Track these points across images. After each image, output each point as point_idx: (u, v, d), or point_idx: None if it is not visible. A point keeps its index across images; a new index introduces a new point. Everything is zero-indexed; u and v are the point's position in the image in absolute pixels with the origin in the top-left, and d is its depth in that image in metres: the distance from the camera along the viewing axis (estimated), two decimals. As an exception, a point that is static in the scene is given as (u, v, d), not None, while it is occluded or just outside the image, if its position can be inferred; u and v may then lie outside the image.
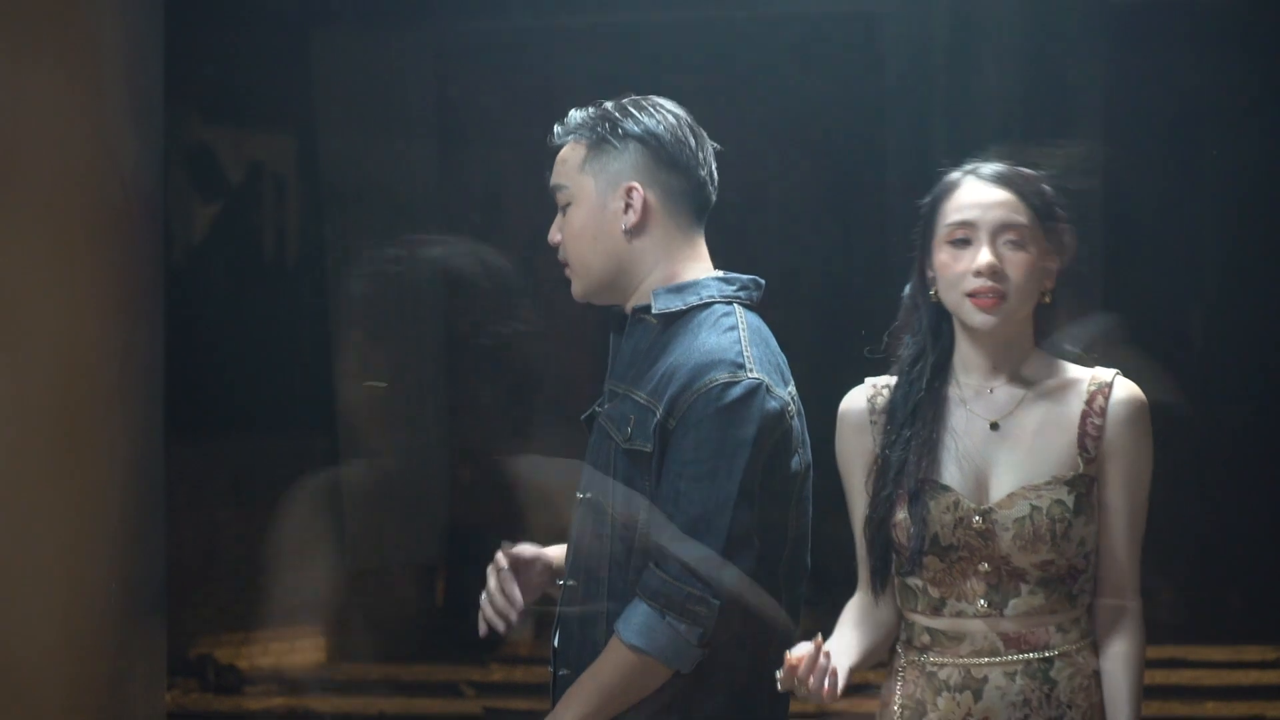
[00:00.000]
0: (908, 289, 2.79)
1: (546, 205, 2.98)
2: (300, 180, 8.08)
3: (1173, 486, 7.66)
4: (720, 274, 2.89)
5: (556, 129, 2.94)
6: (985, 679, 2.70)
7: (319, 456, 8.02)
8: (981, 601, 2.69)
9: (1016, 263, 2.69)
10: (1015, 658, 2.69)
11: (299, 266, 8.10)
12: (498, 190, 7.92)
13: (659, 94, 2.95)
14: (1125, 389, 2.73)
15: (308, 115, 7.92)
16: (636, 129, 2.86)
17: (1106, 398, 2.71)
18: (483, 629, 3.05)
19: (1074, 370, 2.76)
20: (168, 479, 5.28)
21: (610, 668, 2.80)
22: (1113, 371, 2.75)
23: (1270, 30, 7.05)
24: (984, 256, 2.68)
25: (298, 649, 7.69)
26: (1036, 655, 2.69)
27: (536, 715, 3.10)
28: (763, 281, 2.91)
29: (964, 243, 2.70)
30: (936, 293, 2.74)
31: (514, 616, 3.00)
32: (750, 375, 2.76)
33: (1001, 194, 2.71)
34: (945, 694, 2.72)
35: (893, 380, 2.81)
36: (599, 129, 2.88)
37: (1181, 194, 7.40)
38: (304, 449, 8.00)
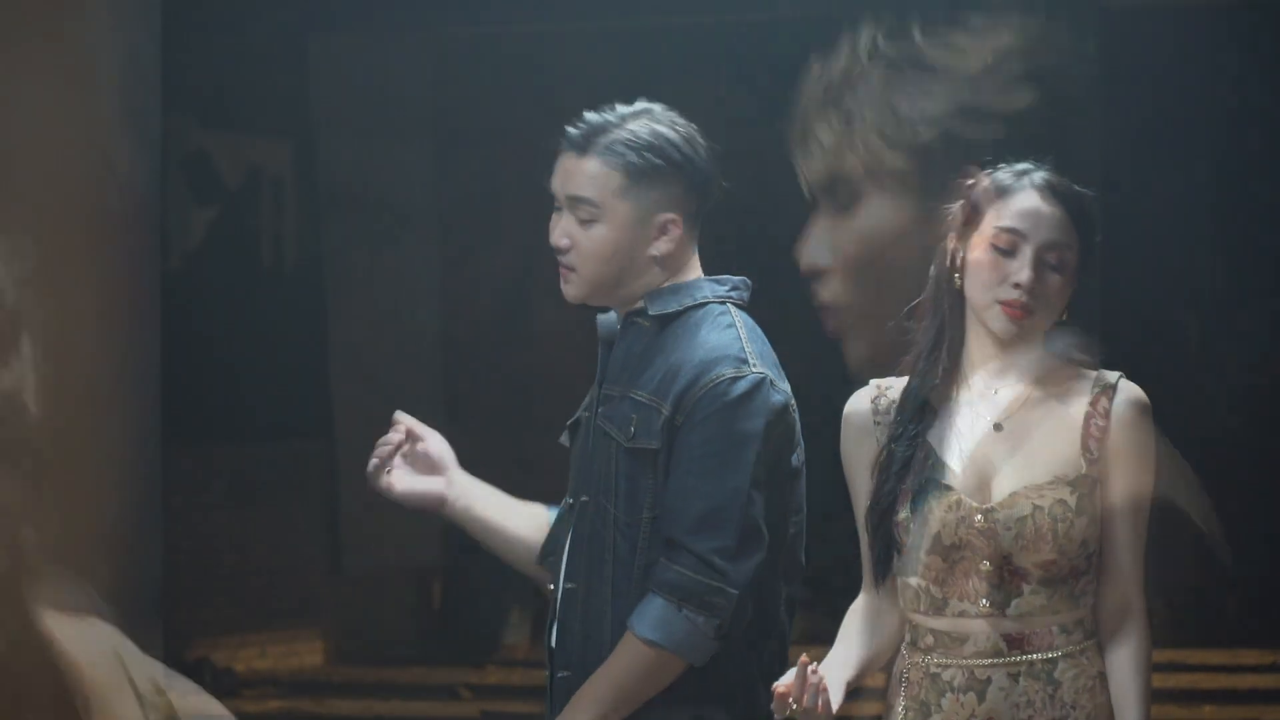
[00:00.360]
0: (933, 269, 2.78)
1: (543, 210, 2.99)
2: (297, 185, 8.08)
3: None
4: (710, 276, 2.93)
5: (574, 134, 2.93)
6: (989, 680, 2.71)
7: (315, 461, 8.03)
8: (984, 601, 2.70)
9: (1053, 283, 2.70)
10: (1019, 659, 2.70)
11: (296, 271, 8.11)
12: (495, 195, 7.92)
13: (656, 98, 2.96)
14: (1129, 391, 2.74)
15: (305, 120, 7.92)
16: (677, 158, 2.88)
17: (1111, 399, 2.72)
18: (384, 481, 3.06)
19: (1079, 372, 2.77)
20: (165, 483, 5.29)
21: (624, 664, 2.81)
22: (1117, 374, 2.76)
23: (1266, 34, 7.06)
24: (1026, 272, 2.68)
25: (295, 652, 7.70)
26: (1040, 656, 2.69)
27: (534, 718, 3.10)
28: (750, 282, 2.94)
29: (1008, 251, 2.70)
30: (961, 281, 2.74)
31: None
32: (754, 370, 2.82)
33: (1056, 211, 2.71)
34: (949, 695, 2.72)
35: (896, 381, 2.81)
36: (641, 158, 2.88)
37: (1177, 197, 7.41)
38: (300, 453, 8.01)
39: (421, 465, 3.07)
